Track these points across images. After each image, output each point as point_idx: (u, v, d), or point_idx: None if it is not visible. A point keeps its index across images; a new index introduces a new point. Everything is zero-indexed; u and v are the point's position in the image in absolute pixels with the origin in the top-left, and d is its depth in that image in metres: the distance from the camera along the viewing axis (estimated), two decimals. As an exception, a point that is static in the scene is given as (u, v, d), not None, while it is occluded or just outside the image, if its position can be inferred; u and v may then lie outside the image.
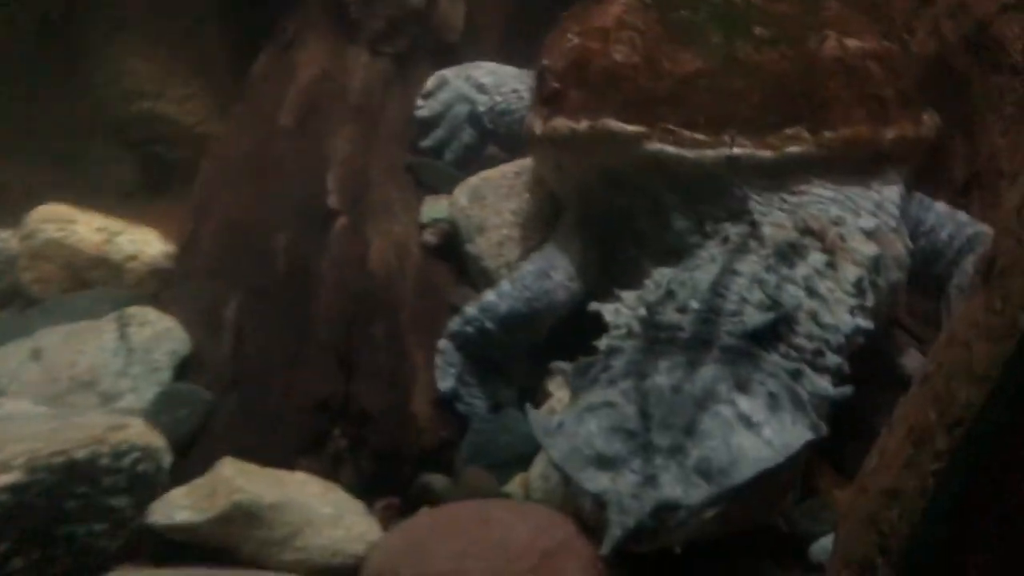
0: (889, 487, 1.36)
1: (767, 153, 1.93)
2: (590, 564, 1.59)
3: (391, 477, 2.03)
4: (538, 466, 1.96)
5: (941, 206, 2.06)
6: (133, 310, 2.18)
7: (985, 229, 1.99)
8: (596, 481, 1.61)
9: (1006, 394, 1.17)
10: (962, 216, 2.06)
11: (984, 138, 2.26)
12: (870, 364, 1.87)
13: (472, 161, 2.61)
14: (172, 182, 2.71)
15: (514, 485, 1.98)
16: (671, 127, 1.95)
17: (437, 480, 2.00)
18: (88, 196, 2.54)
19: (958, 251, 2.02)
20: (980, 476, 1.23)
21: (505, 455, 2.04)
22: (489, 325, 2.14)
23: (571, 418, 1.72)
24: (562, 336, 2.14)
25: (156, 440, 1.83)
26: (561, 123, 2.07)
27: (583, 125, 2.03)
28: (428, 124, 2.67)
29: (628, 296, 1.92)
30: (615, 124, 1.99)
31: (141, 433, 1.81)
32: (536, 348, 2.17)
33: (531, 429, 1.82)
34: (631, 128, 1.98)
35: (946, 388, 1.28)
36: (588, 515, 1.64)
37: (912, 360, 2.17)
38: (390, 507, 1.94)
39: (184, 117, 2.90)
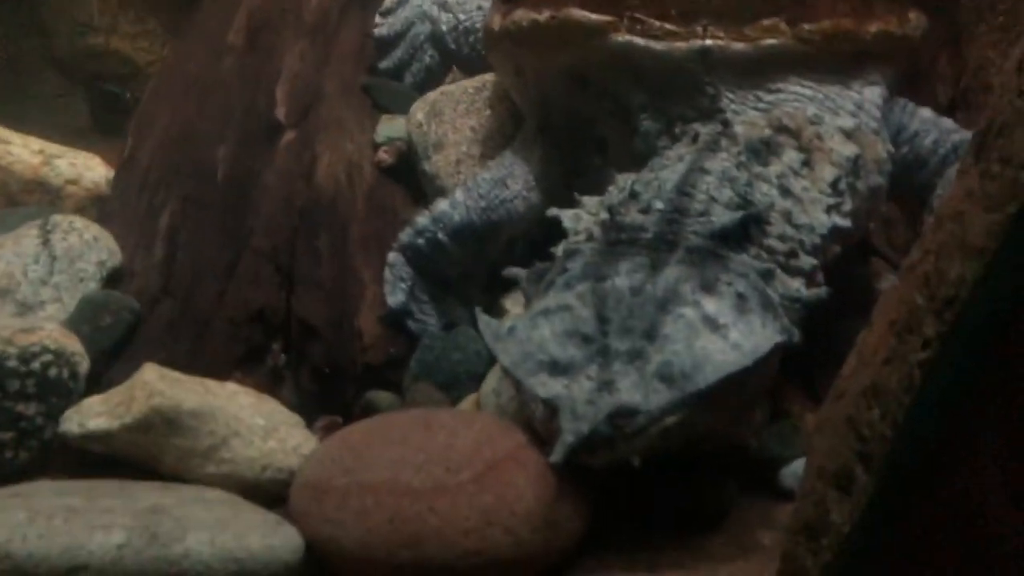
0: (869, 385, 1.23)
1: (742, 46, 1.78)
2: (540, 477, 1.45)
3: (334, 394, 1.89)
4: (489, 381, 1.82)
5: (926, 112, 1.92)
6: (58, 218, 2.03)
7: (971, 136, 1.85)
8: (548, 387, 1.48)
9: (1006, 266, 1.04)
10: (948, 123, 1.92)
11: (973, 51, 2.14)
12: (845, 289, 1.75)
13: (434, 84, 2.45)
14: (124, 122, 2.55)
15: (466, 405, 1.84)
16: (640, 16, 1.80)
17: (383, 397, 1.87)
18: (35, 134, 2.40)
19: (943, 159, 1.88)
20: (974, 364, 1.09)
21: (457, 373, 1.90)
22: (441, 237, 1.99)
23: (524, 323, 1.58)
24: (520, 255, 2.00)
25: (71, 344, 1.68)
26: (522, 15, 1.92)
27: (545, 16, 1.87)
28: (387, 44, 2.51)
29: (589, 201, 1.78)
30: (579, 13, 1.83)
31: (53, 336, 1.66)
32: (492, 266, 2.03)
33: (482, 336, 1.69)
34: (596, 17, 1.82)
35: (936, 268, 1.14)
36: (539, 424, 1.50)
37: (888, 284, 2.05)
38: (332, 426, 1.80)
39: (137, 54, 2.78)
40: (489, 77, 2.32)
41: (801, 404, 1.84)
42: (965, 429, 1.12)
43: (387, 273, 2.01)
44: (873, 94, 1.84)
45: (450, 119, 2.27)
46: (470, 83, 2.35)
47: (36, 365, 1.61)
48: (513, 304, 2.02)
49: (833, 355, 1.76)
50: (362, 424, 1.58)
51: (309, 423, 1.79)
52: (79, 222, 2.02)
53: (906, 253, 2.28)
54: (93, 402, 1.61)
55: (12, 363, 1.60)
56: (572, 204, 1.81)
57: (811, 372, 1.87)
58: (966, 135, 1.88)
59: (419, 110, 2.28)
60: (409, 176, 2.24)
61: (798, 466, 1.68)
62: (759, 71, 1.80)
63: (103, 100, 2.76)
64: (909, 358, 1.16)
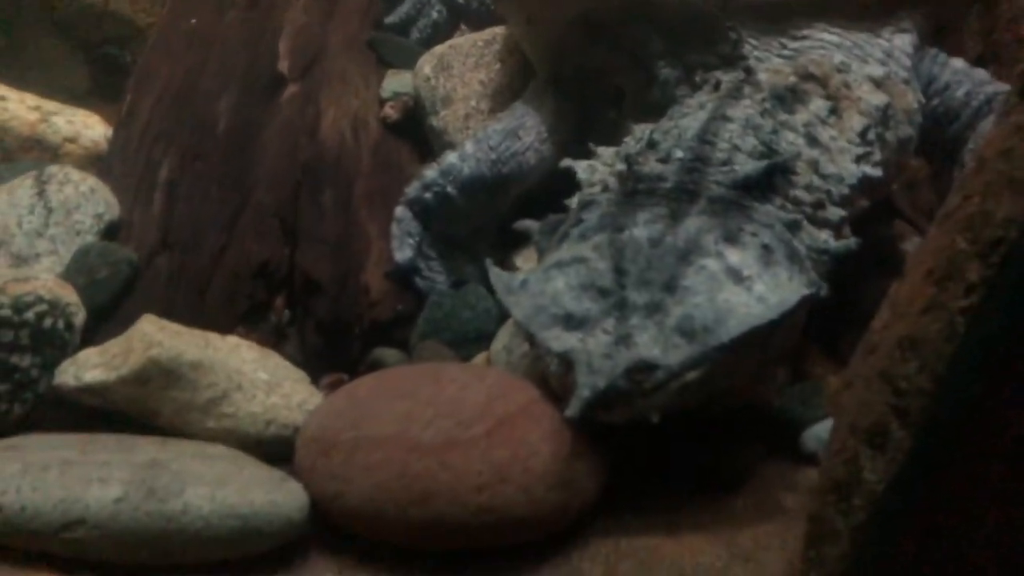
0: (905, 336, 1.16)
1: (766, -11, 1.71)
2: (555, 433, 1.39)
3: (339, 351, 1.83)
4: (500, 339, 1.76)
5: (958, 62, 1.85)
6: (53, 169, 1.96)
7: (1006, 88, 1.78)
8: (563, 340, 1.42)
9: (1060, 202, 0.97)
10: (981, 74, 1.84)
11: (1006, 3, 2.06)
12: (869, 251, 1.69)
13: (440, 40, 2.38)
14: (124, 85, 2.48)
15: (475, 363, 1.78)
16: (658, -41, 1.73)
17: (390, 355, 1.80)
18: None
19: (975, 112, 1.81)
20: (1021, 310, 1.03)
21: (466, 331, 1.84)
22: (450, 190, 1.92)
23: (537, 275, 1.52)
24: (531, 210, 1.94)
25: (66, 295, 1.61)
26: (535, -41, 1.85)
27: (558, -41, 1.80)
28: (393, -1, 2.45)
29: (604, 152, 1.71)
30: (595, -43, 1.76)
31: (48, 286, 1.59)
32: (502, 222, 1.97)
33: (492, 291, 1.63)
34: (612, -40, 1.75)
35: (980, 210, 1.07)
36: (554, 379, 1.44)
37: (914, 247, 1.98)
38: (337, 383, 1.74)
39: (137, 16, 2.71)
40: (499, 31, 2.25)
41: (823, 366, 1.79)
42: (1010, 379, 1.05)
43: (394, 228, 1.95)
44: (903, 42, 1.77)
45: (459, 73, 2.21)
46: (479, 36, 2.28)
47: (30, 315, 1.55)
48: (524, 261, 1.96)
49: (857, 317, 1.71)
50: (369, 378, 1.51)
51: (313, 380, 1.73)
52: (75, 174, 1.95)
53: (930, 215, 2.24)
54: (89, 354, 1.54)
55: (5, 312, 1.53)
56: (586, 156, 1.74)
57: (834, 334, 1.81)
58: (1000, 87, 1.81)
59: (427, 64, 2.21)
60: (415, 132, 2.18)
61: (820, 429, 1.62)
62: (784, 16, 1.73)
63: (102, 63, 2.69)
64: (950, 306, 1.09)
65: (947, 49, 1.97)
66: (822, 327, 1.71)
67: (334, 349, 1.83)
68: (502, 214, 1.97)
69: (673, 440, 1.52)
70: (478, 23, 2.40)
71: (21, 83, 2.34)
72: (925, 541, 1.15)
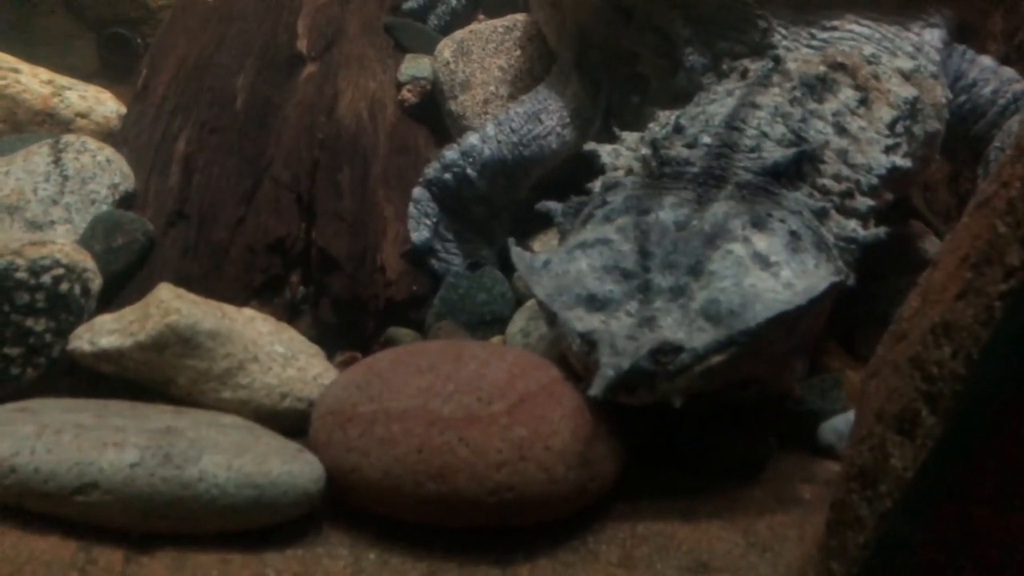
0: (938, 322, 1.15)
1: (797, -22, 1.70)
2: (576, 413, 1.38)
3: (353, 329, 1.81)
4: (517, 322, 1.74)
5: (986, 60, 1.83)
6: (70, 137, 1.94)
7: (1036, 87, 1.77)
8: (585, 321, 1.40)
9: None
10: (1009, 72, 1.83)
11: (1032, 1, 2.05)
12: (887, 250, 1.68)
13: (458, 27, 2.36)
14: (134, 66, 2.47)
15: (490, 346, 1.76)
16: (690, -56, 1.72)
17: (405, 334, 1.79)
18: (44, 73, 2.32)
19: (1002, 110, 1.79)
20: (1063, 295, 1.01)
21: (481, 314, 1.82)
22: (470, 172, 1.91)
23: (560, 255, 1.50)
24: (550, 196, 1.92)
25: (83, 260, 1.59)
26: (563, -59, 1.83)
27: (589, -58, 1.79)
28: (412, -16, 2.43)
29: (629, 136, 1.70)
30: (625, -60, 1.75)
31: (65, 250, 1.57)
32: (520, 206, 1.95)
33: (507, 275, 1.61)
34: (644, -56, 1.74)
35: (1022, 194, 1.06)
36: (575, 360, 1.42)
37: (932, 246, 1.97)
38: (350, 360, 1.72)
39: None
40: (520, 17, 2.24)
41: (841, 360, 1.77)
42: (1049, 366, 1.04)
43: (412, 209, 1.93)
44: (933, 37, 1.76)
45: (478, 58, 2.19)
46: (500, 22, 2.27)
47: (46, 279, 1.53)
48: (541, 247, 1.94)
49: (875, 315, 1.70)
50: (389, 352, 1.49)
51: (328, 357, 1.71)
52: (92, 143, 1.94)
53: (947, 217, 2.23)
54: (105, 319, 1.53)
55: (21, 275, 1.51)
56: (610, 142, 1.73)
57: (851, 331, 1.80)
58: (1028, 85, 1.80)
59: (446, 48, 2.20)
60: (433, 116, 2.17)
61: (838, 421, 1.61)
62: (814, 6, 1.72)
63: (112, 43, 2.67)
64: (988, 290, 1.08)
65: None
66: (840, 323, 1.71)
67: (348, 327, 1.82)
68: (521, 198, 1.96)
69: (692, 427, 1.51)
70: (495, 10, 2.39)
71: (29, 59, 2.32)
72: (954, 529, 1.13)
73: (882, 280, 1.79)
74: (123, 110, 2.23)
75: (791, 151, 1.52)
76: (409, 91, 2.18)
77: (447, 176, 1.92)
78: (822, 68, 1.64)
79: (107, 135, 2.18)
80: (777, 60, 1.67)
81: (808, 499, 1.50)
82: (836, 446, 1.59)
